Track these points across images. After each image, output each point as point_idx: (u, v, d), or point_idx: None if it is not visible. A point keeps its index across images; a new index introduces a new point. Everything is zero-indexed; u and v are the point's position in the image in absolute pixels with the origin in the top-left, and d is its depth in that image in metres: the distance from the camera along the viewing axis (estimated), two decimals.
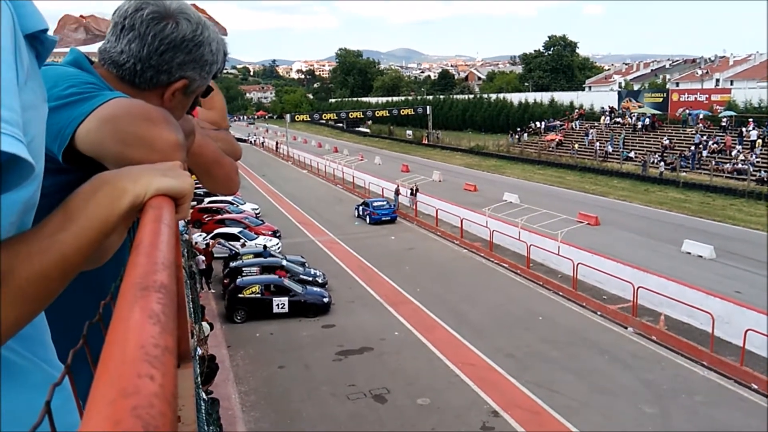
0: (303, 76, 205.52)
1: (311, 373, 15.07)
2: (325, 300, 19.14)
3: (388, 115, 76.13)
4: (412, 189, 34.92)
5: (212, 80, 2.24)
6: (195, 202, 32.55)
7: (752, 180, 34.66)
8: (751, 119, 41.40)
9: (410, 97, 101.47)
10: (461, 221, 27.47)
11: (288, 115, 78.09)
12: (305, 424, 12.64)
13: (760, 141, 38.68)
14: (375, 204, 32.77)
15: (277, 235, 28.52)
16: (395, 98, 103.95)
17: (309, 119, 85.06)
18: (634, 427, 12.07)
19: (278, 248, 25.38)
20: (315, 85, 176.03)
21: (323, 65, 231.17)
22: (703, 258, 22.46)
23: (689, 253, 23.07)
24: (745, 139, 39.66)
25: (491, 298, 20.07)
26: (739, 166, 37.00)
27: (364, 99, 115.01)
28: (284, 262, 21.05)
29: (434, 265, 23.95)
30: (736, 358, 14.08)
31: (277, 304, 18.54)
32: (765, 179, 34.51)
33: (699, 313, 15.61)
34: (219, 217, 30.06)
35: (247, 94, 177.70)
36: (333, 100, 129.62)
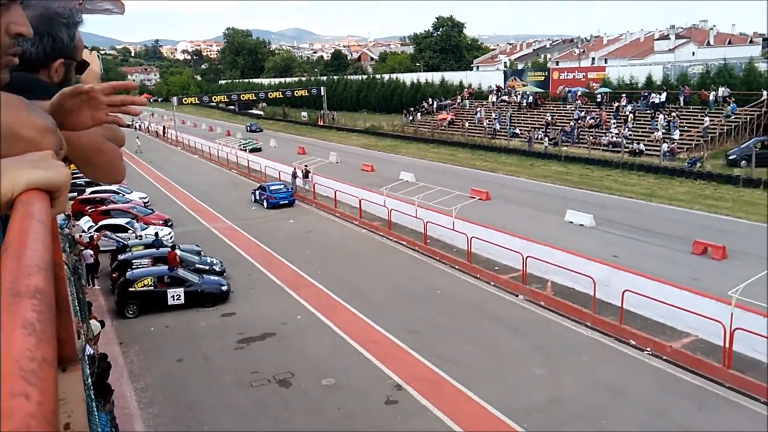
0: (189, 57, 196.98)
1: (211, 363, 14.69)
2: (224, 288, 18.64)
3: (281, 96, 74.77)
4: (303, 171, 34.72)
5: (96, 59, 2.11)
6: (75, 193, 30.52)
7: (626, 152, 37.58)
8: (624, 95, 44.77)
9: (303, 78, 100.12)
10: (360, 202, 27.68)
11: (175, 98, 74.52)
12: (206, 415, 12.34)
13: (632, 115, 41.95)
14: (272, 188, 32.22)
15: (169, 224, 27.34)
16: (288, 79, 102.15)
17: (198, 102, 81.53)
18: (526, 388, 12.85)
19: (170, 238, 24.35)
20: (203, 67, 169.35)
21: (210, 45, 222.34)
22: (584, 226, 24.15)
23: (571, 222, 24.72)
24: (620, 113, 42.84)
25: (392, 275, 20.46)
26: (614, 139, 39.96)
27: (256, 80, 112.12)
28: (178, 252, 20.21)
29: (335, 247, 24.01)
30: (616, 318, 15.32)
31: (172, 296, 17.82)
32: (637, 151, 37.54)
33: (582, 278, 16.78)
34: (104, 207, 28.29)
35: (129, 77, 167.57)
36: (223, 82, 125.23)
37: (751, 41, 72.74)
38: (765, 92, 37.58)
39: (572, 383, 13.07)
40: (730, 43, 71.23)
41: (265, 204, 31.37)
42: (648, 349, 14.28)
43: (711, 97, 39.68)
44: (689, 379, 13.00)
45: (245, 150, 48.17)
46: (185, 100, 77.47)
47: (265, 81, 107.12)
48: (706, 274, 18.13)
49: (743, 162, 32.29)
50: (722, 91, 39.69)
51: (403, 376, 13.49)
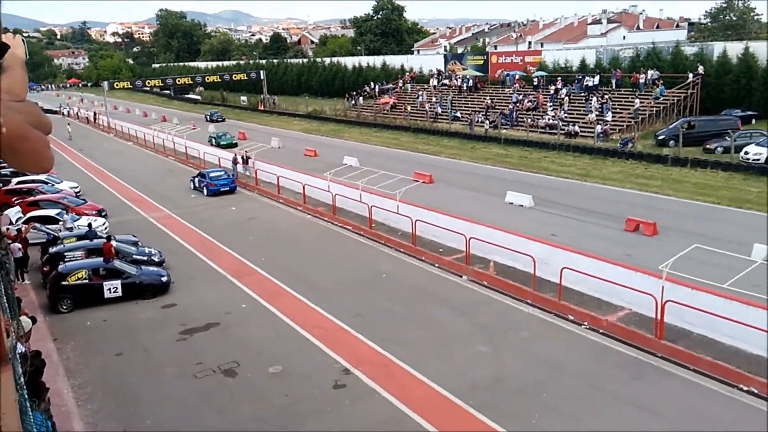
0: (120, 40, 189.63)
1: (152, 356, 14.28)
2: (164, 279, 18.11)
3: (219, 80, 72.79)
4: (242, 157, 34.08)
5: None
6: (0, 184, 29.04)
7: (562, 134, 38.61)
8: (559, 78, 45.89)
9: (242, 62, 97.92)
10: (303, 187, 27.37)
11: (106, 83, 71.48)
12: (148, 408, 12.00)
13: (567, 98, 43.06)
14: (212, 174, 31.44)
15: (103, 214, 26.32)
16: (226, 63, 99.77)
17: (131, 86, 78.49)
18: (471, 367, 13.11)
19: (105, 228, 23.44)
20: (135, 50, 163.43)
21: (142, 28, 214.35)
22: (524, 207, 24.74)
23: (512, 203, 25.27)
24: (556, 97, 43.90)
25: (337, 260, 20.40)
26: (551, 121, 40.97)
27: (192, 64, 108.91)
28: (114, 243, 19.47)
29: (278, 233, 23.72)
30: (555, 294, 15.79)
31: (109, 288, 17.19)
32: (572, 132, 38.63)
33: (522, 257, 17.19)
34: (32, 198, 26.93)
35: (56, 60, 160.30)
36: (157, 66, 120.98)
37: (677, 26, 75.91)
38: (691, 75, 39.31)
39: (514, 360, 13.42)
40: (658, 27, 74.13)
41: (205, 191, 30.60)
42: (585, 323, 14.80)
43: (641, 80, 41.20)
44: (624, 350, 13.57)
45: (217, 146, 42.95)
46: (117, 85, 74.49)
47: (202, 65, 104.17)
48: (638, 250, 18.93)
49: (671, 142, 33.75)
50: (651, 73, 41.27)
51: (350, 361, 13.51)
